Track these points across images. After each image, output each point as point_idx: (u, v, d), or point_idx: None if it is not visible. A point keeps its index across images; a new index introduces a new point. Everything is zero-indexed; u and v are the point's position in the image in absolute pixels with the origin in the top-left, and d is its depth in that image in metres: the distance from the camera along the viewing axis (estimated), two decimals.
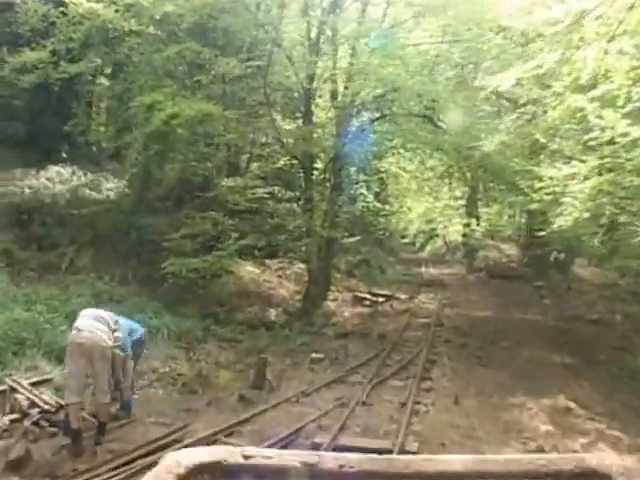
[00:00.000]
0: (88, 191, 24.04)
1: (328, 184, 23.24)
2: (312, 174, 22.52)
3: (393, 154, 26.83)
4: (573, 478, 2.43)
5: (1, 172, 22.45)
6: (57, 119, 25.19)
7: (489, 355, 16.84)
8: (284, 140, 21.44)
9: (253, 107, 21.36)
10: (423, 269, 37.51)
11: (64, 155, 26.02)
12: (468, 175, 29.85)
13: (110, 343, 9.91)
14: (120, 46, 20.06)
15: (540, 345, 17.97)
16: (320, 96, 23.43)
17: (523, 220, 36.73)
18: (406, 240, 48.43)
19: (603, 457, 2.51)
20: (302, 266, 24.15)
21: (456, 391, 13.32)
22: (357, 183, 29.44)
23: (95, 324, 9.90)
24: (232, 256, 19.87)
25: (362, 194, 30.99)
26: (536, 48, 16.43)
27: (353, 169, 26.02)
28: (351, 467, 2.46)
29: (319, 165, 23.91)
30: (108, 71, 27.16)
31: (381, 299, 24.52)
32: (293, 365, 15.54)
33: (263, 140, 22.66)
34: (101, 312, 10.50)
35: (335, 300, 23.55)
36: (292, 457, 2.57)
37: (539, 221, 27.82)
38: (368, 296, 24.44)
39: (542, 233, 19.75)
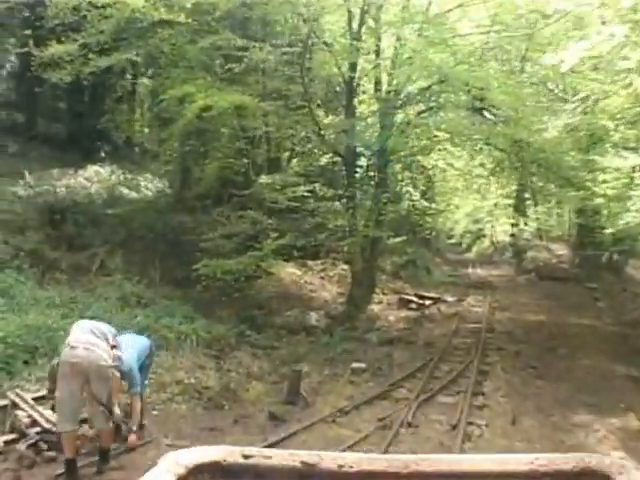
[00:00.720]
0: (127, 190, 22.81)
1: (372, 182, 21.42)
2: (355, 171, 20.74)
3: (440, 150, 24.77)
4: (572, 478, 2.30)
5: (39, 171, 21.34)
6: (97, 120, 24.08)
7: (546, 365, 14.90)
8: (324, 134, 19.57)
9: (290, 98, 19.56)
10: (470, 270, 35.30)
11: (103, 155, 24.89)
12: (517, 172, 27.79)
13: (110, 361, 8.14)
14: (152, 38, 18.44)
15: (600, 354, 16.03)
16: (364, 92, 21.68)
17: (574, 219, 34.51)
18: (452, 240, 46.50)
19: (602, 456, 2.37)
20: (346, 267, 22.38)
21: (512, 408, 11.52)
22: (402, 180, 27.44)
23: (91, 339, 8.14)
24: (268, 257, 18.16)
25: (408, 192, 28.90)
26: (594, 31, 14.52)
27: (398, 165, 24.12)
28: (350, 467, 2.35)
29: (362, 163, 22.11)
30: (150, 71, 25.80)
31: (428, 302, 22.61)
32: (332, 376, 13.77)
33: (302, 134, 20.80)
34: (99, 324, 8.72)
35: (380, 303, 21.73)
36: (292, 457, 2.44)
37: (592, 220, 26.06)
38: (414, 299, 22.55)
39: (608, 231, 17.53)
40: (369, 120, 20.58)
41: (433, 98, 20.33)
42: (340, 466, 2.38)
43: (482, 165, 28.72)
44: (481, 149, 23.43)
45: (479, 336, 17.16)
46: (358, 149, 21.01)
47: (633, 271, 30.32)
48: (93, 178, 22.46)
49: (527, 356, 15.62)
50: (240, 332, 15.90)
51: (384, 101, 19.58)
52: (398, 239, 24.81)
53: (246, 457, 2.46)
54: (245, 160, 19.56)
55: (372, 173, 21.60)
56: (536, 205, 37.69)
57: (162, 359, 12.86)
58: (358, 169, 21.45)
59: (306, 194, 19.83)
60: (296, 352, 15.22)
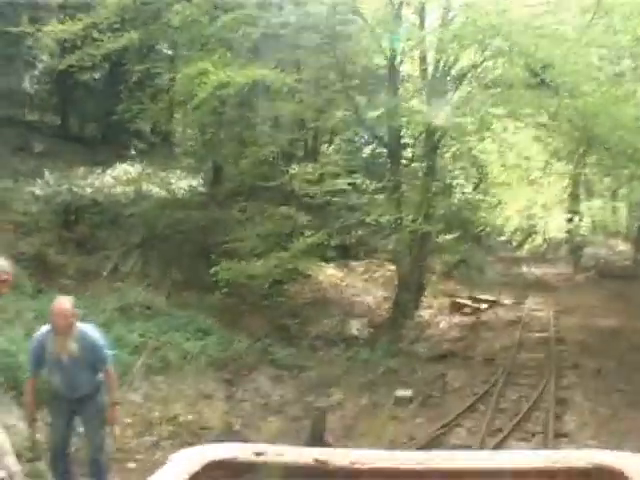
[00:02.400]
0: (156, 189, 19.66)
1: (419, 172, 17.77)
2: (400, 159, 17.15)
3: (494, 135, 20.63)
4: (585, 474, 2.09)
5: (65, 171, 18.59)
6: (131, 117, 21.20)
7: (636, 387, 11.16)
8: (363, 116, 15.88)
9: (321, 72, 15.99)
10: (525, 269, 31.35)
11: (134, 153, 22.05)
12: (580, 159, 23.83)
13: None
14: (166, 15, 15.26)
15: None
16: (409, 75, 18.10)
17: (634, 212, 30.47)
18: (503, 238, 42.60)
19: (616, 452, 2.14)
20: (392, 268, 18.84)
21: None
22: (453, 172, 23.41)
23: None
24: (298, 258, 14.66)
25: (459, 184, 24.80)
26: None
27: (448, 154, 20.31)
28: (363, 464, 2.14)
29: (409, 154, 18.54)
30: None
31: (483, 305, 18.96)
32: (371, 408, 10.25)
33: (339, 115, 17.06)
34: None
35: (429, 307, 18.15)
36: (304, 454, 2.21)
37: None
38: (468, 302, 18.92)
39: None
40: (414, 101, 16.86)
41: (486, 75, 16.60)
42: (352, 463, 2.12)
43: (545, 148, 24.43)
44: (544, 127, 19.25)
45: (549, 349, 13.43)
46: (404, 138, 17.55)
47: None
48: (121, 177, 19.52)
49: (610, 375, 11.92)
50: (263, 348, 12.50)
51: (432, 79, 16.01)
52: (449, 236, 21.08)
53: (258, 454, 2.15)
54: (273, 148, 16.06)
55: (419, 163, 18.01)
56: (591, 199, 33.72)
57: (155, 388, 9.59)
58: (404, 159, 17.85)
59: (346, 187, 16.44)
60: (329, 373, 11.75)
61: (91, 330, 6.03)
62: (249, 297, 15.13)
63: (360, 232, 17.07)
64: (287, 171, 15.94)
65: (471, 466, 2.13)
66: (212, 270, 13.82)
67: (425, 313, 17.51)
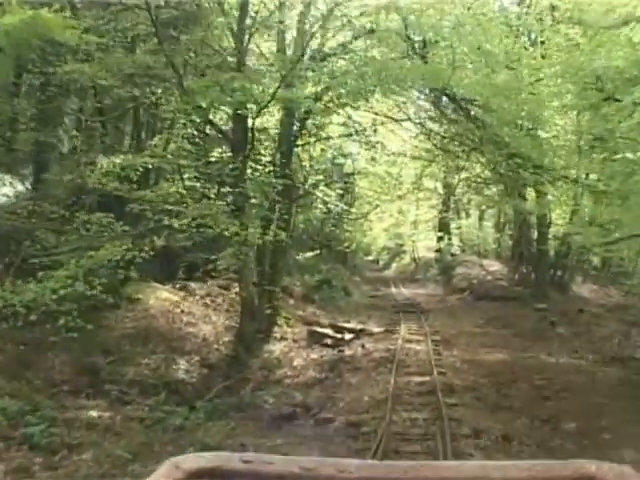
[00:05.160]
0: None
1: (272, 175, 13.61)
2: (246, 156, 12.93)
3: (360, 139, 16.58)
4: None
5: None
6: None
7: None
8: (188, 90, 11.36)
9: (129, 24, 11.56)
10: (394, 290, 27.64)
11: None
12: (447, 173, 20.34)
13: None
14: None
15: (630, 422, 8.67)
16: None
17: (507, 232, 27.64)
18: (369, 257, 39.40)
19: (601, 462, 1.79)
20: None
21: None
22: (314, 180, 19.03)
23: None
24: (76, 278, 10.15)
25: (322, 192, 20.24)
26: None
27: (306, 154, 16.23)
28: (350, 472, 1.87)
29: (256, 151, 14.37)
30: None
31: (348, 335, 14.94)
32: None
33: (159, 92, 12.65)
34: None
35: (283, 339, 14.05)
36: (292, 463, 1.90)
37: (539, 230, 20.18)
38: (329, 332, 14.88)
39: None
40: (267, 77, 12.61)
41: (355, 55, 12.71)
42: (340, 471, 1.86)
43: (418, 151, 20.58)
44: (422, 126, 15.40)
45: (436, 403, 9.28)
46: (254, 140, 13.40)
47: (577, 288, 23.78)
48: None
49: (524, 444, 8.06)
50: (23, 413, 7.90)
51: (291, 57, 12.02)
52: (310, 254, 17.02)
53: (246, 462, 1.87)
54: (59, 129, 11.58)
55: (261, 166, 13.97)
56: (460, 218, 30.81)
57: None
58: (251, 159, 13.66)
59: (180, 191, 12.28)
60: (112, 456, 7.29)
61: None
62: (46, 330, 10.74)
63: (182, 244, 12.78)
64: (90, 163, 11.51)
65: (458, 476, 1.86)
66: None
67: (277, 347, 13.38)
